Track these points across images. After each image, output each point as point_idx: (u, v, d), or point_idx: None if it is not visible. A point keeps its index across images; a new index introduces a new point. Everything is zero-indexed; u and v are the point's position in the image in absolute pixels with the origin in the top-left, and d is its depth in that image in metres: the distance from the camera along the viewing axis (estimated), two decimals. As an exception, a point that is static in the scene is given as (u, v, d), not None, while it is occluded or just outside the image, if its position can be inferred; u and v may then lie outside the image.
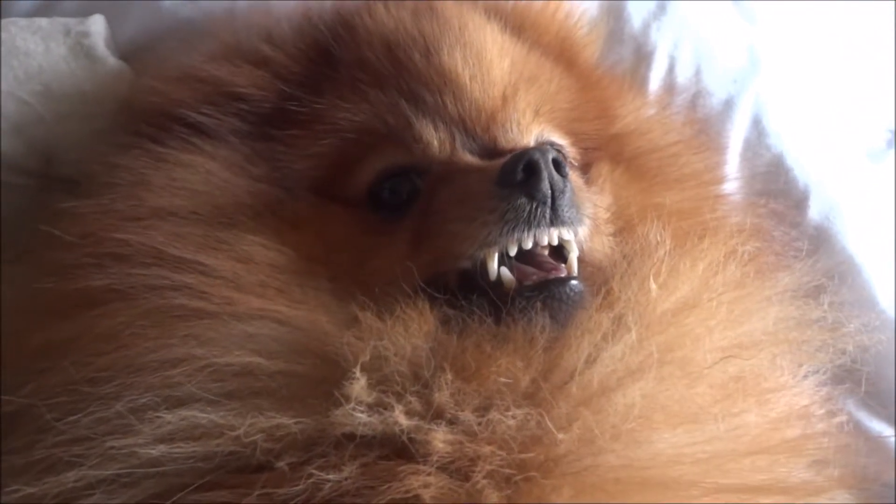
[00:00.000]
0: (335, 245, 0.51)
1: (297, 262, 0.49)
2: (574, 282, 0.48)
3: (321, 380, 0.44)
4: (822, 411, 0.55)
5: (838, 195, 0.78)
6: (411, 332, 0.45)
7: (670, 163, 0.64)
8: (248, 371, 0.44)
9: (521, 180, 0.47)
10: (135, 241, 0.49)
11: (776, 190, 0.76)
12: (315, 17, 0.62)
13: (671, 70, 0.77)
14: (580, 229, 0.51)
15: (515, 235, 0.47)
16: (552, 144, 0.56)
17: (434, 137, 0.53)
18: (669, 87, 0.76)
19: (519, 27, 0.63)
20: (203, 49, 0.61)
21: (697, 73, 0.78)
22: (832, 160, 0.81)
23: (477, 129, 0.54)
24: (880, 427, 0.70)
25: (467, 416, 0.42)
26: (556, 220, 0.48)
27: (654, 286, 0.48)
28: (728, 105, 0.77)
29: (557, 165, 0.48)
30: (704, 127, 0.76)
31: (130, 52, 0.66)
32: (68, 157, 0.60)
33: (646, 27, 0.77)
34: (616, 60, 0.77)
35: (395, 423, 0.42)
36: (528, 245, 0.48)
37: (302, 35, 0.61)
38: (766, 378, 0.51)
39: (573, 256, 0.49)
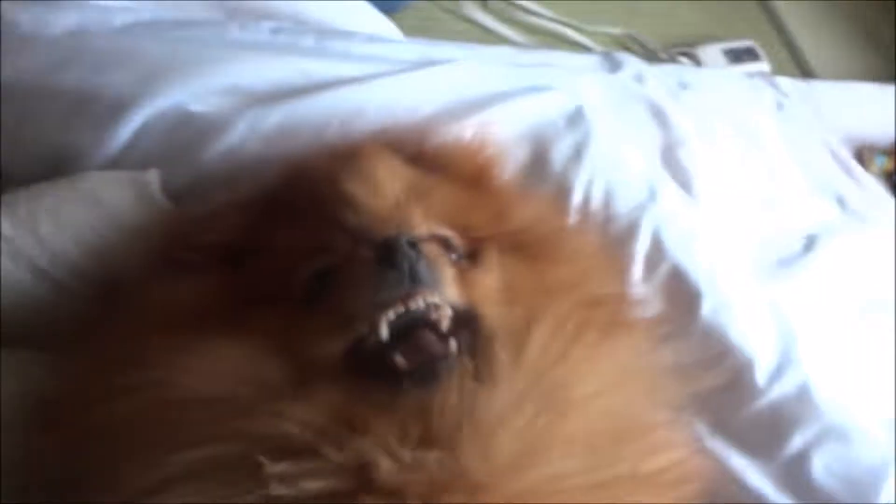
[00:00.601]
0: (282, 336, 0.65)
1: (252, 353, 0.62)
2: (448, 359, 0.59)
3: (252, 461, 0.54)
4: (685, 443, 0.68)
5: (726, 296, 0.96)
6: (315, 406, 0.56)
7: (558, 246, 0.79)
8: (208, 457, 0.55)
9: (384, 257, 0.61)
10: (134, 349, 0.65)
11: (674, 291, 0.96)
12: (275, 174, 0.83)
13: (587, 201, 0.99)
14: (443, 289, 0.62)
15: (390, 295, 0.60)
16: (436, 235, 0.70)
17: (341, 243, 0.68)
18: (585, 213, 0.99)
19: (418, 159, 0.81)
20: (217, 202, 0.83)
21: (607, 202, 0.99)
22: (723, 267, 1.01)
23: (374, 233, 0.66)
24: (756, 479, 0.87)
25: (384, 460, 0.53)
26: (414, 281, 0.60)
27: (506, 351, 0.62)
28: (632, 226, 0.98)
29: (412, 245, 0.62)
30: (613, 243, 0.97)
31: (178, 200, 0.88)
32: (129, 283, 0.78)
33: (565, 169, 1.00)
34: (543, 192, 0.99)
35: (307, 488, 0.52)
36: (401, 310, 0.60)
37: (258, 193, 0.80)
38: (635, 415, 0.63)
39: (452, 341, 0.62)
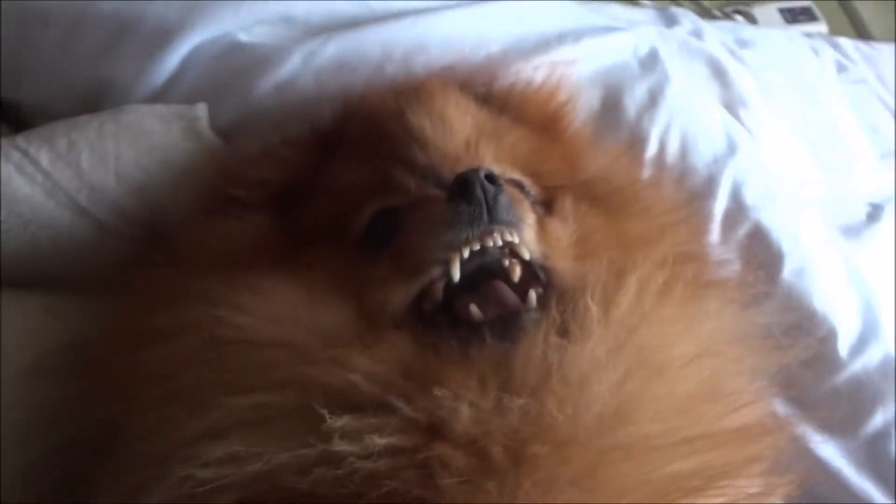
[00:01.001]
0: (341, 280, 0.61)
1: (310, 296, 0.59)
2: (530, 313, 0.56)
3: (312, 412, 0.50)
4: (775, 422, 0.64)
5: (808, 259, 0.90)
6: (381, 357, 0.53)
7: (634, 199, 0.75)
8: (262, 404, 0.52)
9: (458, 192, 0.57)
10: (192, 285, 0.61)
11: (754, 252, 0.89)
12: (335, 110, 0.78)
13: (661, 151, 0.92)
14: (522, 232, 0.59)
15: (463, 234, 0.56)
16: (511, 179, 0.67)
17: (409, 182, 0.65)
18: (660, 164, 0.92)
19: (487, 100, 0.77)
20: (270, 139, 0.78)
21: (683, 154, 0.92)
22: (804, 230, 0.93)
23: (444, 172, 0.63)
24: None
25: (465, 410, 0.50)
26: (493, 220, 0.56)
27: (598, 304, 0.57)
28: (710, 181, 0.91)
29: (491, 178, 0.58)
30: (690, 198, 0.91)
31: (226, 136, 0.82)
32: (175, 218, 0.74)
33: (639, 117, 0.93)
34: (616, 142, 0.92)
35: (373, 445, 0.48)
36: (477, 247, 0.56)
37: (314, 130, 0.76)
38: (722, 379, 0.60)
39: (532, 294, 0.58)
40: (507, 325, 0.55)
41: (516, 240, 0.58)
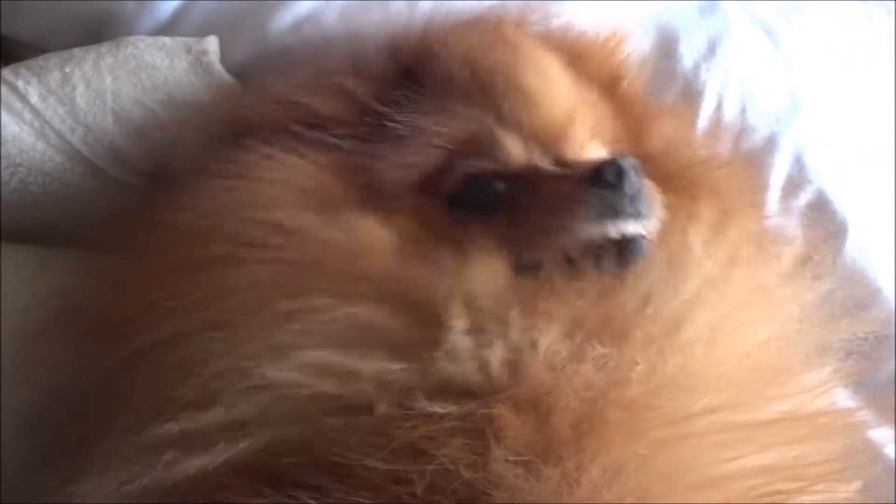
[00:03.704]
0: (433, 234, 0.58)
1: (398, 242, 0.56)
2: (646, 240, 0.57)
3: (425, 330, 0.49)
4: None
5: (873, 232, 0.82)
6: (489, 272, 0.52)
7: (699, 181, 0.70)
8: (367, 323, 0.50)
9: (613, 181, 0.55)
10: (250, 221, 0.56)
11: (818, 221, 0.81)
12: (399, 45, 0.69)
13: (719, 107, 0.83)
14: (651, 224, 0.58)
15: (607, 223, 0.55)
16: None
17: (515, 147, 0.60)
18: (717, 122, 0.83)
19: (572, 58, 0.70)
20: (301, 76, 0.69)
21: (743, 111, 0.83)
22: (869, 199, 0.86)
23: (548, 143, 0.61)
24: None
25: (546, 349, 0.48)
26: (635, 213, 0.56)
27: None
28: (770, 142, 0.82)
29: (635, 171, 0.56)
30: (749, 159, 0.82)
31: (241, 73, 0.74)
32: (183, 159, 0.67)
33: (696, 67, 0.84)
34: (667, 95, 0.83)
35: (488, 362, 0.47)
36: (614, 234, 0.56)
37: (384, 64, 0.68)
38: (790, 356, 0.57)
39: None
40: (627, 249, 0.55)
41: (644, 231, 0.57)
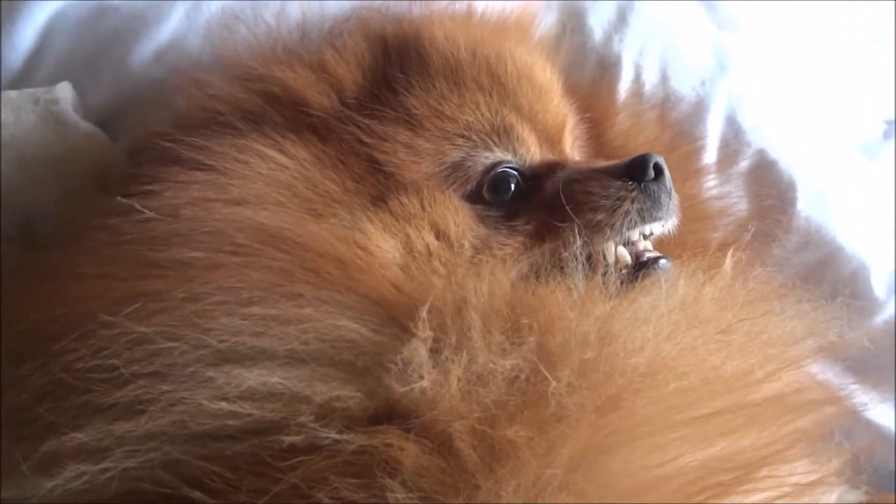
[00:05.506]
0: (449, 233, 0.55)
1: (406, 258, 0.53)
2: (664, 260, 0.57)
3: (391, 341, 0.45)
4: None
5: (826, 185, 0.76)
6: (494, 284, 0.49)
7: None
8: (336, 338, 0.45)
9: (652, 177, 0.57)
10: (225, 221, 0.50)
11: (763, 183, 0.76)
12: (381, 25, 0.66)
13: (637, 78, 0.77)
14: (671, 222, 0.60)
15: (645, 221, 0.57)
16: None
17: (533, 141, 0.60)
18: (637, 94, 0.76)
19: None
20: (179, 106, 0.62)
21: (664, 78, 0.77)
22: (817, 152, 0.80)
23: (553, 140, 0.62)
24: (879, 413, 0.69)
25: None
26: (668, 210, 0.58)
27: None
28: (699, 107, 0.77)
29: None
30: (679, 130, 0.76)
31: (106, 116, 0.68)
32: (46, 218, 0.61)
33: (608, 39, 0.78)
34: (582, 73, 0.77)
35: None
36: (648, 232, 0.58)
37: (370, 43, 0.63)
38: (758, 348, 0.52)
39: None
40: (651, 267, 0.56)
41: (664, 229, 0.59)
